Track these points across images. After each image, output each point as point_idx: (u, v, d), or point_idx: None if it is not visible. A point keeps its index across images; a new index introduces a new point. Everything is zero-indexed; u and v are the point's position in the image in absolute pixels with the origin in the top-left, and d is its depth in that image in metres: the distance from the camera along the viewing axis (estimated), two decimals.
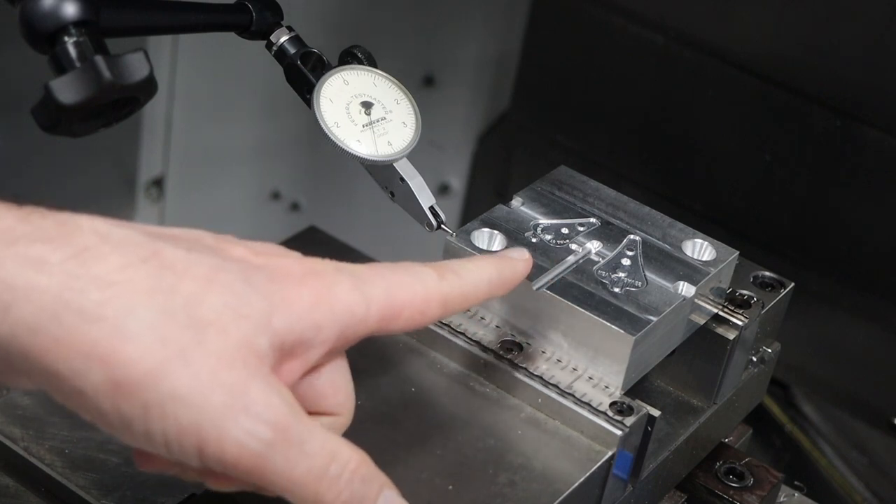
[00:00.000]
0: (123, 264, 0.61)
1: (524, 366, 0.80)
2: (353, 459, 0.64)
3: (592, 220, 0.87)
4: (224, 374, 0.61)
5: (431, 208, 0.86)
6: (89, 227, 0.62)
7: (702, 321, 0.85)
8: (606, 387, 0.79)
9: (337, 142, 0.83)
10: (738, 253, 0.86)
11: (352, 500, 0.64)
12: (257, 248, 0.68)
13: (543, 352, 0.81)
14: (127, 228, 0.64)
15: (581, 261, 0.83)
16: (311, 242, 1.11)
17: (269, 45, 0.88)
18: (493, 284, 0.73)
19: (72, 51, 0.75)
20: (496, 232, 0.84)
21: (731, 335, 0.85)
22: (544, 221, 0.86)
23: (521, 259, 0.76)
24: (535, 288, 0.80)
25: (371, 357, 0.82)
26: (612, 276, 0.82)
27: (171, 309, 0.61)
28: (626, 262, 0.84)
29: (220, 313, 0.62)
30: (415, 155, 0.86)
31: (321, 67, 0.87)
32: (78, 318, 0.60)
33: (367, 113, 0.85)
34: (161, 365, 0.60)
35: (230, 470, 0.62)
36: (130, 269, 0.61)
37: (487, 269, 0.73)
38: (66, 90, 0.73)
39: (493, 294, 0.73)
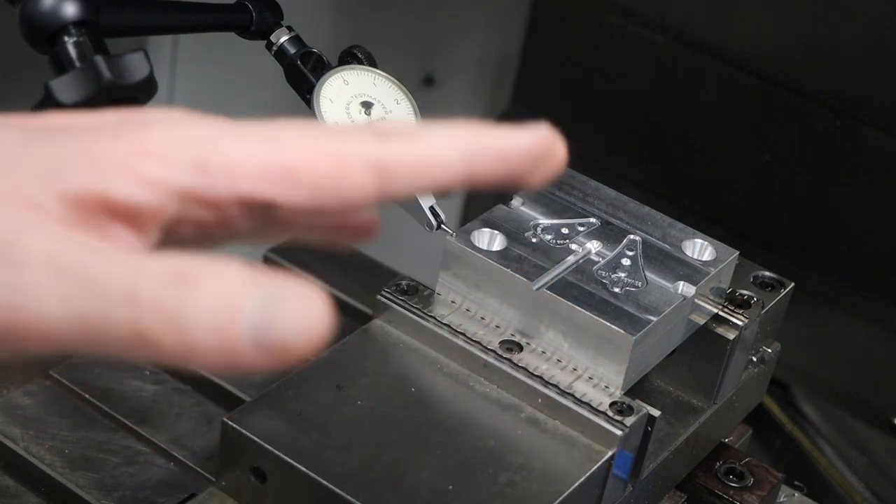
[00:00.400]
0: None
1: (524, 366, 0.80)
2: (186, 264, 0.47)
3: (592, 220, 0.87)
4: None
5: (431, 208, 0.86)
6: None
7: (702, 321, 0.85)
8: (606, 387, 0.79)
9: None
10: (738, 253, 0.86)
11: (192, 314, 0.46)
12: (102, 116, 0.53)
13: (543, 352, 0.81)
14: None
15: (581, 261, 0.83)
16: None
17: (269, 45, 0.88)
18: (471, 160, 0.54)
19: (72, 51, 0.75)
20: (496, 232, 0.84)
21: (731, 335, 0.85)
22: (544, 221, 0.86)
23: (539, 136, 0.57)
24: (535, 288, 0.80)
25: (371, 357, 0.82)
26: (612, 276, 0.82)
27: None
28: (626, 262, 0.84)
29: None
30: None
31: (321, 67, 0.87)
32: None
33: (367, 113, 0.85)
34: None
35: (50, 350, 0.49)
36: None
37: (469, 137, 0.53)
38: (66, 90, 0.73)
39: (472, 171, 0.54)
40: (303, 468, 0.73)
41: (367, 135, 0.52)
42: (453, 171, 0.53)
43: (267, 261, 1.07)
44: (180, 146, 0.51)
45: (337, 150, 0.51)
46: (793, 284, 0.90)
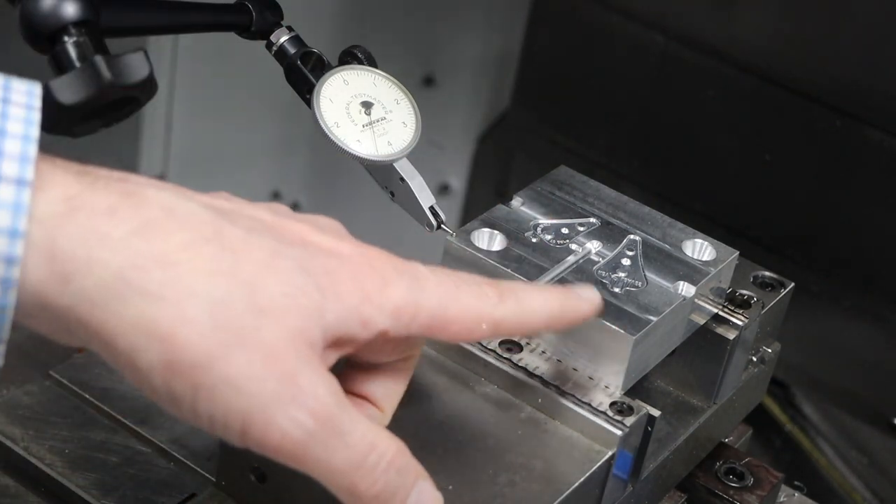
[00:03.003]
0: (187, 243, 0.61)
1: (524, 366, 0.80)
2: (391, 450, 0.65)
3: (592, 220, 0.87)
4: (276, 362, 0.61)
5: (431, 208, 0.86)
6: (155, 200, 0.62)
7: (702, 321, 0.85)
8: (606, 387, 0.79)
9: (337, 142, 0.83)
10: (738, 253, 0.86)
11: (385, 490, 0.64)
12: (319, 224, 0.68)
13: (544, 352, 0.81)
14: (192, 202, 0.63)
15: (581, 261, 0.83)
16: None
17: (269, 45, 0.88)
18: (552, 318, 0.72)
19: (72, 51, 0.75)
20: (496, 232, 0.84)
21: (731, 335, 0.85)
22: (544, 221, 0.86)
23: (589, 300, 0.73)
24: None
25: None
26: (612, 276, 0.82)
27: (229, 293, 0.61)
28: (626, 262, 0.84)
29: (277, 301, 0.62)
30: (415, 155, 0.86)
31: (321, 67, 0.87)
32: (138, 296, 0.60)
33: (367, 113, 0.85)
34: (216, 349, 0.60)
35: (270, 454, 0.62)
36: (193, 248, 0.61)
37: (551, 301, 0.71)
38: (66, 90, 0.73)
39: (550, 328, 0.74)
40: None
41: (493, 294, 0.69)
42: (538, 327, 0.73)
43: None
44: (390, 297, 0.66)
45: (476, 309, 0.68)
46: (793, 284, 0.90)
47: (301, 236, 0.66)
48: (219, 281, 0.61)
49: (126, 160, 1.64)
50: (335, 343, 0.65)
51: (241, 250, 0.63)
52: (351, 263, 0.66)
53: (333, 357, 0.66)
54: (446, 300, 0.67)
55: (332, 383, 0.64)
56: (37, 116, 0.60)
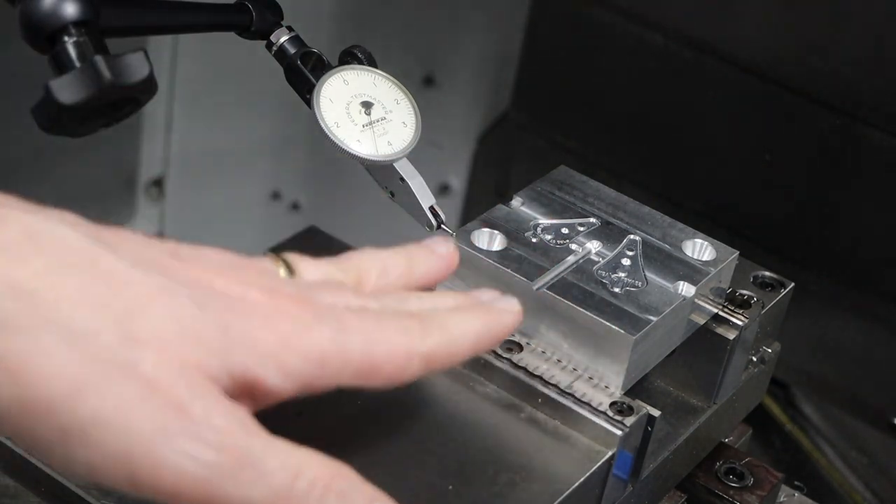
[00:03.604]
0: (48, 269, 0.54)
1: (524, 366, 0.80)
2: (325, 473, 0.57)
3: (592, 220, 0.87)
4: (158, 394, 0.54)
5: (431, 208, 0.86)
6: (17, 223, 0.55)
7: (702, 321, 0.85)
8: (606, 387, 0.79)
9: (337, 142, 0.83)
10: (738, 253, 0.86)
11: None
12: (227, 270, 0.60)
13: (543, 352, 0.81)
14: (68, 228, 0.56)
15: (581, 261, 0.83)
16: (311, 242, 1.11)
17: (269, 45, 0.88)
18: (479, 339, 0.67)
19: (72, 51, 0.75)
20: (496, 232, 0.84)
21: (731, 335, 0.85)
22: (544, 221, 0.86)
23: (511, 311, 0.70)
24: (535, 288, 0.80)
25: None
26: (612, 276, 0.82)
27: (98, 323, 0.54)
28: (626, 262, 0.84)
29: (161, 331, 0.55)
30: (415, 155, 0.86)
31: (321, 67, 0.87)
32: None
33: (367, 113, 0.85)
34: (79, 385, 0.53)
35: (171, 500, 0.55)
36: (55, 275, 0.54)
37: (472, 321, 0.67)
38: (66, 90, 0.73)
39: (479, 350, 0.68)
40: None
41: (416, 327, 0.63)
42: (466, 353, 0.67)
43: None
44: (314, 341, 0.59)
45: (405, 345, 0.62)
46: (793, 284, 0.90)
47: (199, 277, 0.58)
48: (84, 311, 0.54)
49: (126, 160, 1.64)
50: (248, 394, 0.58)
51: (118, 282, 0.55)
52: (262, 307, 0.59)
53: (245, 410, 0.57)
54: (374, 340, 0.61)
55: (237, 410, 0.56)
56: None
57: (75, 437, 0.54)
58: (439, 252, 0.73)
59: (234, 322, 0.57)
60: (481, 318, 0.68)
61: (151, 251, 0.59)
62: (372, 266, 0.69)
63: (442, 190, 1.66)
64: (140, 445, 0.54)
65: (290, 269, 0.65)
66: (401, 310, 0.66)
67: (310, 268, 0.66)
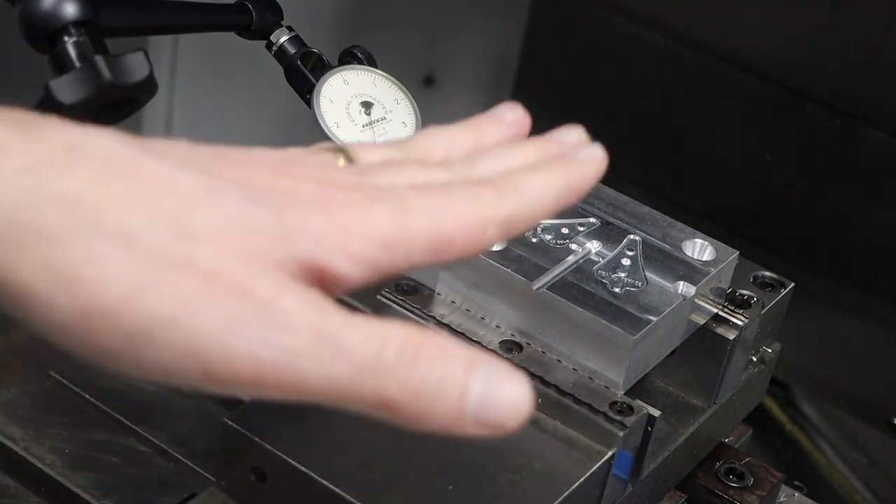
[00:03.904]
0: (92, 179, 0.52)
1: (524, 366, 0.80)
2: (414, 340, 0.53)
3: (592, 220, 0.87)
4: (220, 286, 0.52)
5: None
6: (57, 134, 0.54)
7: (702, 321, 0.85)
8: (606, 387, 0.79)
9: (337, 142, 0.83)
10: (738, 253, 0.86)
11: (425, 388, 0.53)
12: (276, 165, 0.58)
13: (543, 352, 0.81)
14: (105, 137, 0.54)
15: (581, 261, 0.83)
16: None
17: (269, 45, 0.88)
18: (560, 198, 0.62)
19: (72, 51, 0.75)
20: None
21: (731, 335, 0.85)
22: (544, 221, 0.86)
23: (594, 160, 0.65)
24: (535, 288, 0.80)
25: None
26: (612, 276, 0.82)
27: (148, 226, 0.52)
28: (626, 262, 0.84)
29: (216, 226, 0.53)
30: None
31: (321, 67, 0.87)
32: (35, 240, 0.51)
33: (367, 113, 0.85)
34: (137, 287, 0.51)
35: (252, 390, 0.53)
36: (101, 184, 0.52)
37: (555, 180, 0.62)
38: (66, 90, 0.73)
39: (561, 207, 0.62)
40: (303, 468, 0.73)
41: (490, 194, 0.59)
42: (549, 213, 0.62)
43: None
44: (374, 225, 0.56)
45: (477, 215, 0.58)
46: (793, 284, 0.90)
47: (247, 175, 0.56)
48: (134, 214, 0.52)
49: None
50: (318, 282, 0.55)
51: (165, 186, 0.53)
52: (314, 198, 0.56)
53: (316, 292, 0.55)
54: (441, 215, 0.57)
55: (307, 292, 0.53)
56: None
57: (142, 340, 0.52)
58: (508, 120, 0.69)
59: (288, 214, 0.55)
60: (561, 174, 0.63)
61: (198, 155, 0.57)
62: (438, 144, 0.65)
63: None
64: (209, 339, 0.52)
65: (350, 158, 0.61)
66: (470, 176, 0.62)
67: (370, 153, 0.62)
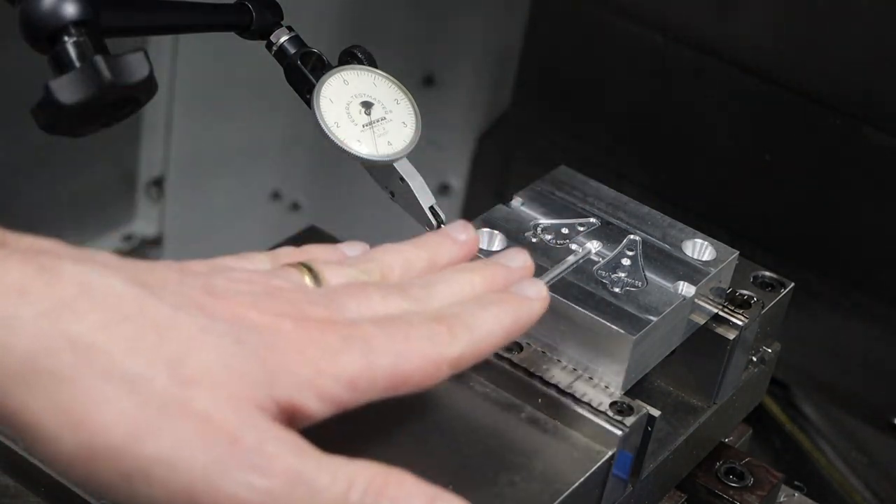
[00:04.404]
0: (103, 323, 0.58)
1: (524, 366, 0.80)
2: (378, 481, 0.59)
3: (592, 220, 0.87)
4: (213, 429, 0.57)
5: (431, 208, 0.86)
6: (71, 276, 0.59)
7: (702, 321, 0.85)
8: (606, 387, 0.79)
9: (337, 142, 0.83)
10: (738, 253, 0.86)
11: None
12: (258, 301, 0.63)
13: (543, 352, 0.81)
14: (113, 277, 0.60)
15: (581, 261, 0.83)
16: (311, 242, 1.11)
17: (269, 45, 0.88)
18: (508, 334, 0.69)
19: (72, 51, 0.75)
20: (496, 232, 0.84)
21: (731, 335, 0.85)
22: (544, 221, 0.86)
23: (538, 298, 0.71)
24: None
25: None
26: (612, 276, 0.82)
27: (151, 369, 0.58)
28: (626, 262, 0.84)
29: (209, 371, 0.59)
30: (415, 155, 0.86)
31: (321, 67, 0.87)
32: (49, 381, 0.57)
33: (367, 113, 0.85)
34: (140, 429, 0.56)
35: None
36: (109, 328, 0.58)
37: (503, 317, 0.69)
38: (66, 90, 0.73)
39: (508, 341, 0.70)
40: None
41: (444, 331, 0.66)
42: (496, 348, 0.69)
43: None
44: (344, 368, 0.62)
45: (433, 355, 0.65)
46: (793, 284, 0.90)
47: (234, 312, 0.62)
48: (138, 358, 0.58)
49: (126, 160, 1.64)
50: (289, 419, 0.61)
51: (165, 327, 0.59)
52: (293, 337, 0.62)
53: (293, 433, 0.61)
54: (401, 355, 0.64)
55: (286, 434, 0.59)
56: None
57: (139, 479, 0.57)
58: (460, 240, 0.75)
59: (270, 355, 0.61)
60: (509, 311, 0.69)
61: (189, 289, 0.62)
62: (395, 263, 0.71)
63: (442, 190, 1.66)
64: (201, 480, 0.57)
65: (316, 277, 0.68)
66: (427, 307, 0.67)
67: (334, 274, 0.69)
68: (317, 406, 0.62)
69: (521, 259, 0.74)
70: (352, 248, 0.74)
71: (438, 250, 0.74)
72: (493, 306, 0.69)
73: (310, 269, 0.68)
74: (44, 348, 0.57)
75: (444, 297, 0.69)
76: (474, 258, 0.75)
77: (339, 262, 0.71)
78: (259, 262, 0.70)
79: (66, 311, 0.58)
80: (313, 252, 0.72)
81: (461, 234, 0.75)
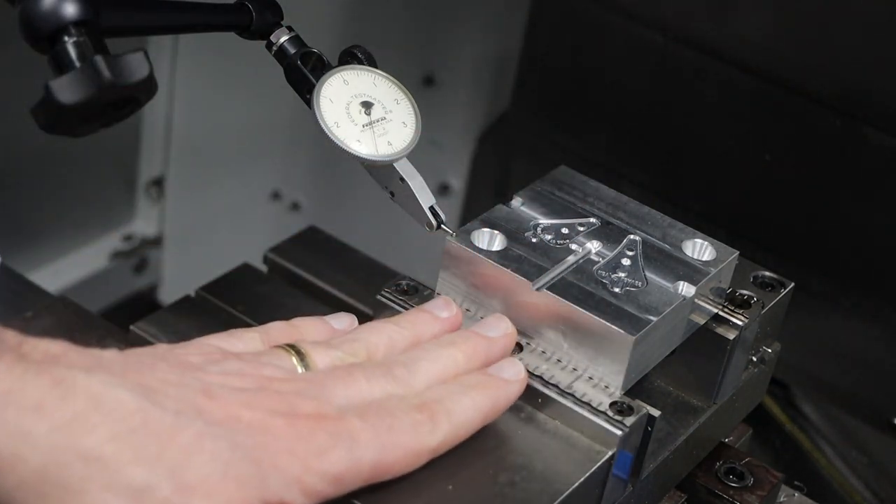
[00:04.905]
0: (111, 436, 0.62)
1: (524, 366, 0.80)
2: None
3: (592, 220, 0.87)
4: None
5: (431, 208, 0.86)
6: (84, 388, 0.63)
7: (702, 321, 0.85)
8: (606, 387, 0.79)
9: (337, 142, 0.83)
10: (738, 253, 0.86)
11: None
12: (251, 399, 0.68)
13: (543, 352, 0.81)
14: (119, 386, 0.64)
15: (581, 261, 0.83)
16: (311, 242, 1.11)
17: (269, 45, 0.88)
18: (486, 418, 0.75)
19: (72, 51, 0.75)
20: (496, 232, 0.84)
21: (731, 335, 0.85)
22: (544, 221, 0.86)
23: (517, 380, 0.76)
24: (534, 288, 0.80)
25: None
26: (612, 276, 0.82)
27: (153, 478, 0.62)
28: (626, 262, 0.84)
29: (206, 477, 0.63)
30: (415, 155, 0.86)
31: (321, 67, 0.87)
32: (59, 493, 0.61)
33: (367, 113, 0.85)
34: None
35: None
36: (117, 440, 0.62)
37: (480, 402, 0.74)
38: (66, 90, 0.73)
39: (485, 424, 0.75)
40: None
41: (426, 421, 0.71)
42: (475, 429, 0.75)
43: (267, 261, 1.07)
44: (331, 465, 0.67)
45: (415, 445, 0.70)
46: (793, 284, 0.90)
47: (229, 413, 0.67)
48: (141, 469, 0.62)
49: (126, 160, 1.65)
50: None
51: (166, 435, 0.64)
52: (283, 436, 0.67)
53: None
54: (384, 448, 0.69)
55: None
56: None
57: None
58: (443, 317, 0.80)
59: (263, 456, 0.65)
60: (488, 396, 0.74)
61: (188, 392, 0.66)
62: (380, 342, 0.76)
63: (442, 190, 1.66)
64: None
65: (304, 361, 0.73)
66: (411, 392, 0.72)
67: (321, 357, 0.74)
68: (301, 501, 0.67)
69: (501, 328, 0.79)
70: (339, 322, 0.79)
71: (422, 328, 0.78)
72: (473, 391, 0.74)
73: (298, 352, 0.73)
74: (56, 462, 0.61)
75: (427, 376, 0.74)
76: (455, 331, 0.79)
77: (327, 342, 0.75)
78: (250, 341, 0.74)
79: (78, 426, 0.62)
80: (302, 329, 0.77)
81: (443, 311, 0.80)
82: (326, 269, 1.05)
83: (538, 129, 1.49)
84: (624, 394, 0.79)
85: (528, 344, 0.81)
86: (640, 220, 0.87)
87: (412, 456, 0.70)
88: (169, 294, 1.71)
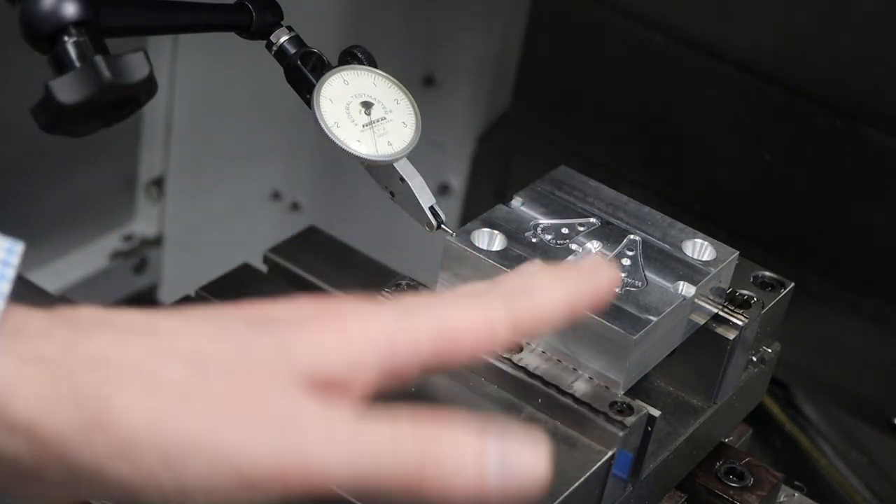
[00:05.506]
0: (118, 340, 0.59)
1: (524, 366, 0.80)
2: (405, 426, 0.58)
3: (592, 220, 0.87)
4: (238, 402, 0.57)
5: (431, 208, 0.86)
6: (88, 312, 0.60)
7: (702, 321, 0.85)
8: (606, 387, 0.79)
9: (337, 142, 0.83)
10: (738, 253, 0.86)
11: (428, 465, 0.57)
12: (268, 308, 0.62)
13: (543, 352, 0.81)
14: (125, 314, 0.60)
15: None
16: (311, 242, 1.11)
17: (269, 45, 0.88)
18: (573, 302, 0.64)
19: (72, 51, 0.75)
20: (496, 232, 0.84)
21: (731, 335, 0.85)
22: (544, 221, 0.86)
23: (608, 276, 0.66)
24: None
25: None
26: None
27: (168, 366, 0.58)
28: (626, 262, 0.84)
29: (225, 359, 0.58)
30: (415, 155, 0.86)
31: (321, 67, 0.87)
32: (74, 399, 0.57)
33: (367, 113, 0.85)
34: (161, 413, 0.56)
35: (282, 492, 0.57)
36: (125, 344, 0.58)
37: (564, 282, 0.64)
38: (66, 90, 0.73)
39: (573, 312, 0.64)
40: None
41: (499, 299, 0.62)
42: (562, 315, 0.64)
43: (267, 261, 1.07)
44: (376, 330, 0.59)
45: (484, 316, 0.61)
46: (793, 284, 0.90)
47: (245, 314, 0.61)
48: (155, 359, 0.58)
49: (126, 160, 1.64)
50: (328, 390, 0.59)
51: (179, 333, 0.60)
52: (317, 316, 0.60)
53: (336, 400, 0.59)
54: (446, 314, 0.61)
55: (320, 399, 0.58)
56: (11, 273, 0.60)
57: (175, 460, 0.56)
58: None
59: (288, 334, 0.59)
60: (573, 281, 0.64)
61: (199, 314, 0.61)
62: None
63: (442, 190, 1.66)
64: (231, 449, 0.56)
65: None
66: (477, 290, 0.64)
67: None
68: (352, 374, 0.59)
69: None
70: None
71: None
72: (555, 276, 0.65)
73: None
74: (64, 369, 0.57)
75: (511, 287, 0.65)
76: None
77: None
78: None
79: (83, 337, 0.59)
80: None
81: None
82: (326, 269, 1.05)
83: (538, 129, 1.49)
84: (624, 394, 0.79)
85: (528, 344, 0.81)
86: (640, 220, 0.87)
87: (483, 326, 0.61)
88: (169, 294, 1.71)
